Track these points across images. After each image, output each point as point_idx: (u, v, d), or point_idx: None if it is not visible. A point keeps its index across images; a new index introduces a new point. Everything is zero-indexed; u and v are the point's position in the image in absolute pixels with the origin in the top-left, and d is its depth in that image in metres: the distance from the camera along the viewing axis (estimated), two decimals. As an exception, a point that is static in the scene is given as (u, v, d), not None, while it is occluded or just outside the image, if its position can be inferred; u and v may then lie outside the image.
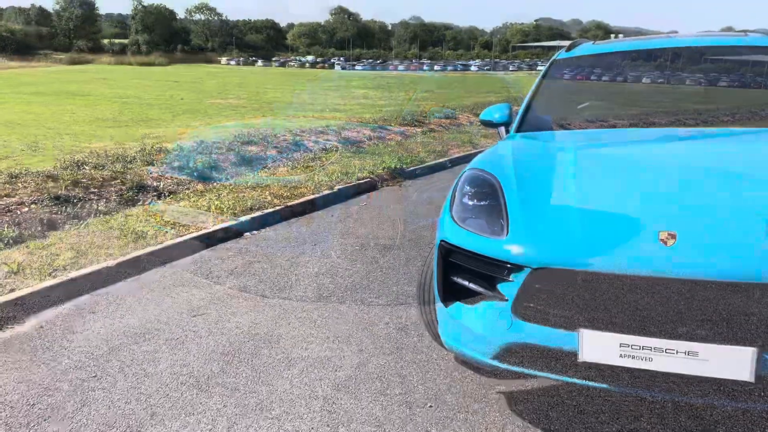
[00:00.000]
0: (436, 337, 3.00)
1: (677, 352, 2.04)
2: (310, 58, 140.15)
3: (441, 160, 10.27)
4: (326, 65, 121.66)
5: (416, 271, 4.56)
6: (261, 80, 54.15)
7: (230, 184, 7.43)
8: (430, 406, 2.79)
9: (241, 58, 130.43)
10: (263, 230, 5.97)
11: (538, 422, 2.65)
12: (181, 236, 5.30)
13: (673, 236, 2.13)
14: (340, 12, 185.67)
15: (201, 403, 2.86)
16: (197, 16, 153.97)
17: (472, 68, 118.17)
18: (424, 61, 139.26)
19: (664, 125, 3.38)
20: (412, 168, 9.37)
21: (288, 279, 4.54)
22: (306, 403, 2.84)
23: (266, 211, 6.27)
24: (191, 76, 63.80)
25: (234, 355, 3.33)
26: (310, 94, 35.36)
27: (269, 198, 6.68)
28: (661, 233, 2.16)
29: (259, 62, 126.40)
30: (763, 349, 1.97)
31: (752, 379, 1.97)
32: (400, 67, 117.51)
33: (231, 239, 5.62)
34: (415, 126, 14.70)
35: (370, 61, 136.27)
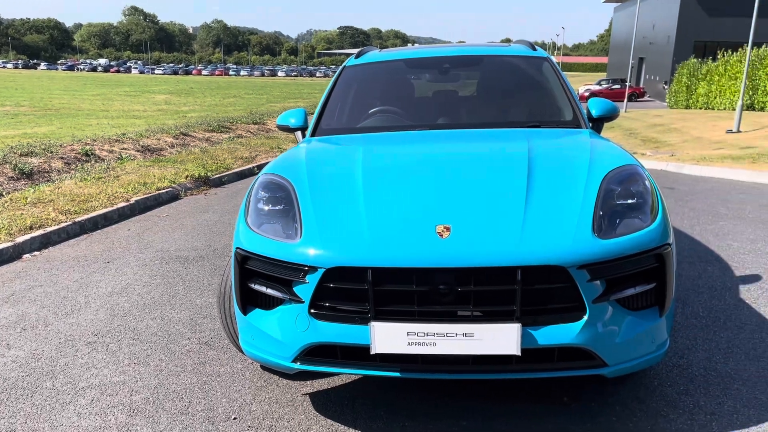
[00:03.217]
0: (238, 346, 2.94)
1: (456, 335, 2.21)
2: (102, 61, 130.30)
3: (249, 167, 10.12)
4: (122, 69, 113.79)
5: (221, 281, 4.43)
6: (45, 85, 48.92)
7: (5, 201, 6.60)
8: (235, 418, 2.72)
9: (20, 61, 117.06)
10: (46, 250, 5.39)
11: (343, 418, 2.71)
12: (-60, 264, 4.59)
13: (448, 229, 2.31)
14: (135, 12, 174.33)
15: (-34, 454, 2.50)
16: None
17: (280, 74, 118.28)
18: (230, 65, 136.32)
19: (444, 127, 3.66)
20: (218, 175, 9.12)
21: (76, 302, 4.14)
22: (97, 435, 2.61)
23: (50, 228, 5.68)
24: (-44, 79, 55.61)
25: (9, 393, 2.95)
26: (104, 100, 32.68)
27: (53, 214, 6.05)
28: (438, 227, 2.33)
29: (43, 65, 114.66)
30: (525, 325, 2.22)
31: (518, 352, 2.21)
32: (205, 72, 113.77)
33: (5, 263, 4.99)
34: (221, 132, 14.31)
35: (171, 65, 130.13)
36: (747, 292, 4.15)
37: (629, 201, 2.52)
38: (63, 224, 5.84)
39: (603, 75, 64.82)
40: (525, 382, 2.92)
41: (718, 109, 26.10)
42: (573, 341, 2.24)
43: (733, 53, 26.01)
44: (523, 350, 2.22)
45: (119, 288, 4.42)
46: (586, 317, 2.25)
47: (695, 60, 30.73)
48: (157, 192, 7.53)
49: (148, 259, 5.11)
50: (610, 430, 2.57)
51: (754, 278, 4.44)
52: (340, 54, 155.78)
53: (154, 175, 8.37)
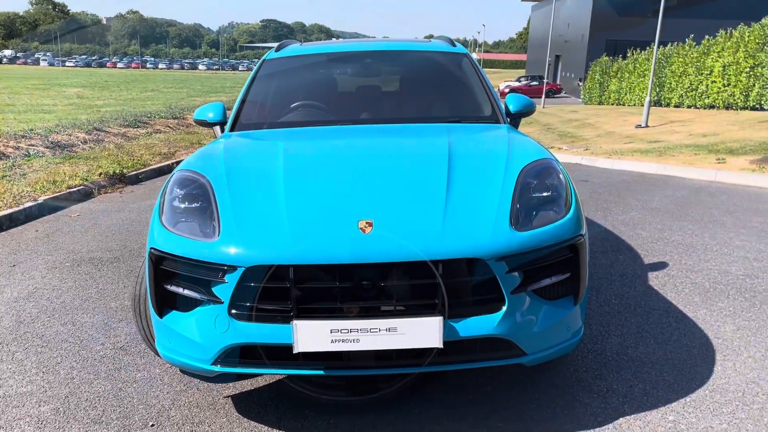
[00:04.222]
0: (155, 350, 2.83)
1: (380, 330, 2.21)
2: (8, 52, 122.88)
3: (167, 163, 9.79)
4: (29, 61, 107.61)
5: (138, 282, 4.24)
6: (-59, 77, 45.43)
7: None
8: (152, 425, 2.61)
9: None
10: (-57, 255, 5.00)
11: (267, 419, 2.65)
12: None
13: (370, 224, 2.30)
14: (43, 1, 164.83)
15: None
16: None
17: (201, 67, 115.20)
18: (148, 58, 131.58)
19: (366, 122, 3.65)
20: (134, 172, 8.77)
21: (-23, 309, 3.87)
22: (0, 451, 2.45)
23: (-53, 231, 5.27)
24: None
25: None
26: (9, 93, 30.69)
27: (-49, 216, 5.62)
28: (360, 222, 2.31)
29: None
30: (447, 318, 2.24)
31: (441, 345, 2.23)
32: (120, 64, 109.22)
33: None
34: (138, 127, 13.76)
35: (84, 57, 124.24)
36: (655, 279, 4.38)
37: (545, 194, 2.60)
38: (-38, 226, 5.44)
39: (522, 72, 66.82)
40: (448, 374, 2.96)
41: (629, 105, 27.47)
42: (493, 332, 2.29)
43: (641, 52, 27.42)
44: (445, 342, 2.24)
45: (26, 293, 4.16)
46: (505, 308, 2.29)
47: (607, 58, 32.20)
48: (68, 190, 7.15)
49: (58, 262, 4.84)
50: (530, 417, 2.64)
51: (662, 265, 4.69)
52: (263, 47, 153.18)
53: (65, 173, 7.95)
